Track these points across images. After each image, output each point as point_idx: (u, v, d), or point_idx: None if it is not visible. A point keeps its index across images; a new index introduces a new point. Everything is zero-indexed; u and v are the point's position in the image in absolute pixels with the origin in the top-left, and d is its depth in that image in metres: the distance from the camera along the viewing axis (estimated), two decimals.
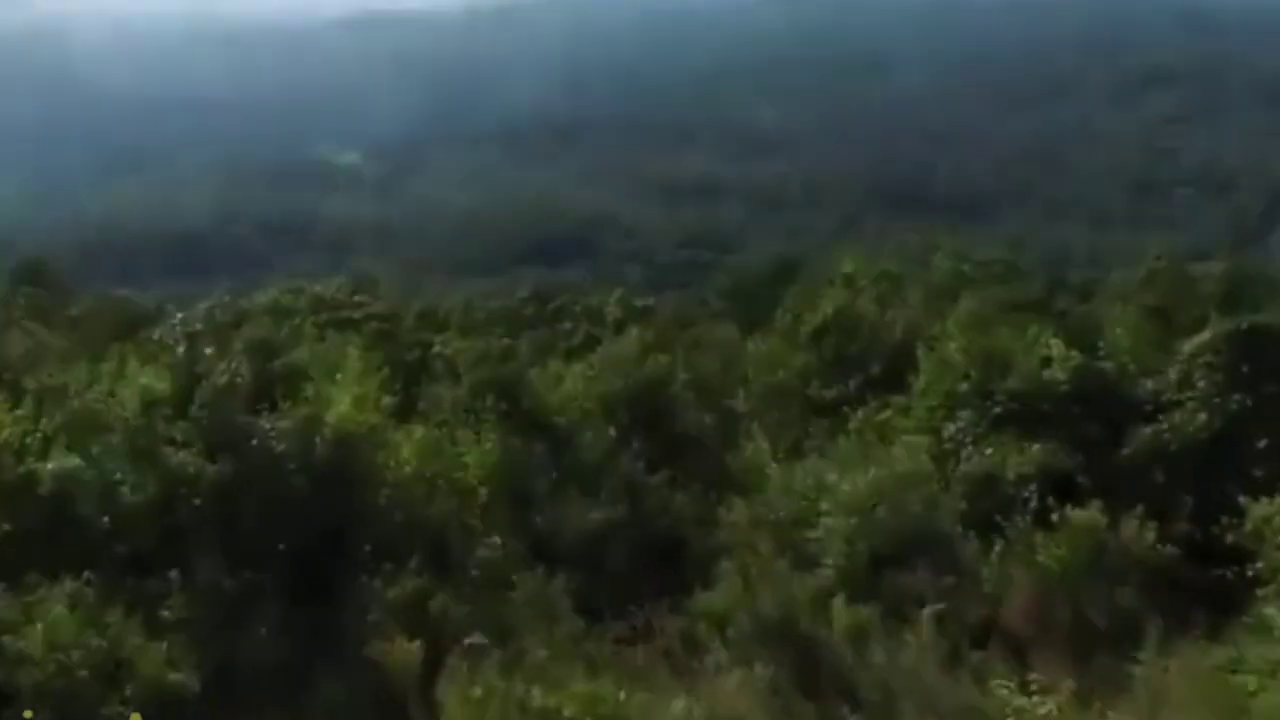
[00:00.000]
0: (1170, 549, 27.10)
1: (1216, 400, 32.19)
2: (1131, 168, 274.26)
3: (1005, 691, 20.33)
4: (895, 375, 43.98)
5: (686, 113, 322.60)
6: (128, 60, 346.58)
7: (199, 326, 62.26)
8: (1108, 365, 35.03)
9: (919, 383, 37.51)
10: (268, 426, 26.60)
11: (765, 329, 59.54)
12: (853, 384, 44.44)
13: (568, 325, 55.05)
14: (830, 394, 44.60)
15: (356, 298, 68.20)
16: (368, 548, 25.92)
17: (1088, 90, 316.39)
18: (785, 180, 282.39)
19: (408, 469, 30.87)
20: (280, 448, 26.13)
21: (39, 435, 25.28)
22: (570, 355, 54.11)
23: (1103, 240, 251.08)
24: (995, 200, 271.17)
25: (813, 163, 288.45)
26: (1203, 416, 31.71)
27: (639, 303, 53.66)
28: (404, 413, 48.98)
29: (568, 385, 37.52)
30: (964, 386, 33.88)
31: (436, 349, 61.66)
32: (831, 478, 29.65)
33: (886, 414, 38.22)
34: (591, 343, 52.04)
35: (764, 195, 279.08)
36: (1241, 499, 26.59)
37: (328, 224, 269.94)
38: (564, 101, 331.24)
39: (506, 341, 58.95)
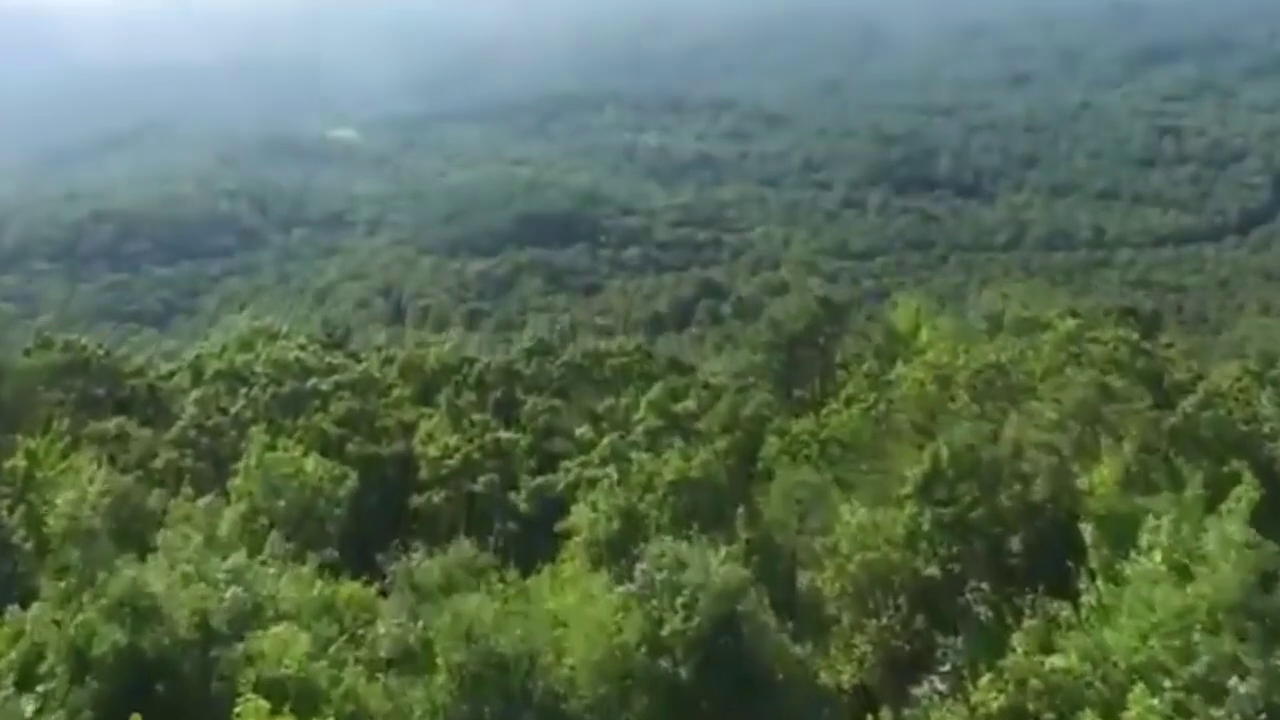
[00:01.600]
0: None
1: None
2: (1134, 144, 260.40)
3: None
4: (1042, 552, 30.95)
5: (684, 87, 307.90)
6: (123, 34, 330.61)
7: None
8: None
9: (1118, 611, 24.36)
10: None
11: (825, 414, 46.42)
12: (978, 555, 31.24)
13: (585, 429, 41.74)
14: (946, 568, 31.42)
15: (328, 359, 54.69)
16: None
17: (1090, 66, 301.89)
18: (785, 156, 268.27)
19: None
20: None
21: None
22: (592, 484, 40.65)
23: (1106, 217, 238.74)
24: (997, 177, 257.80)
25: (812, 138, 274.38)
26: None
27: (677, 407, 40.46)
28: (370, 573, 36.12)
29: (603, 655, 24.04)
30: (1238, 649, 20.59)
31: (419, 444, 48.22)
32: None
33: (1060, 662, 24.96)
34: (621, 462, 38.54)
35: (763, 172, 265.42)
36: None
37: (323, 200, 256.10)
38: (561, 76, 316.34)
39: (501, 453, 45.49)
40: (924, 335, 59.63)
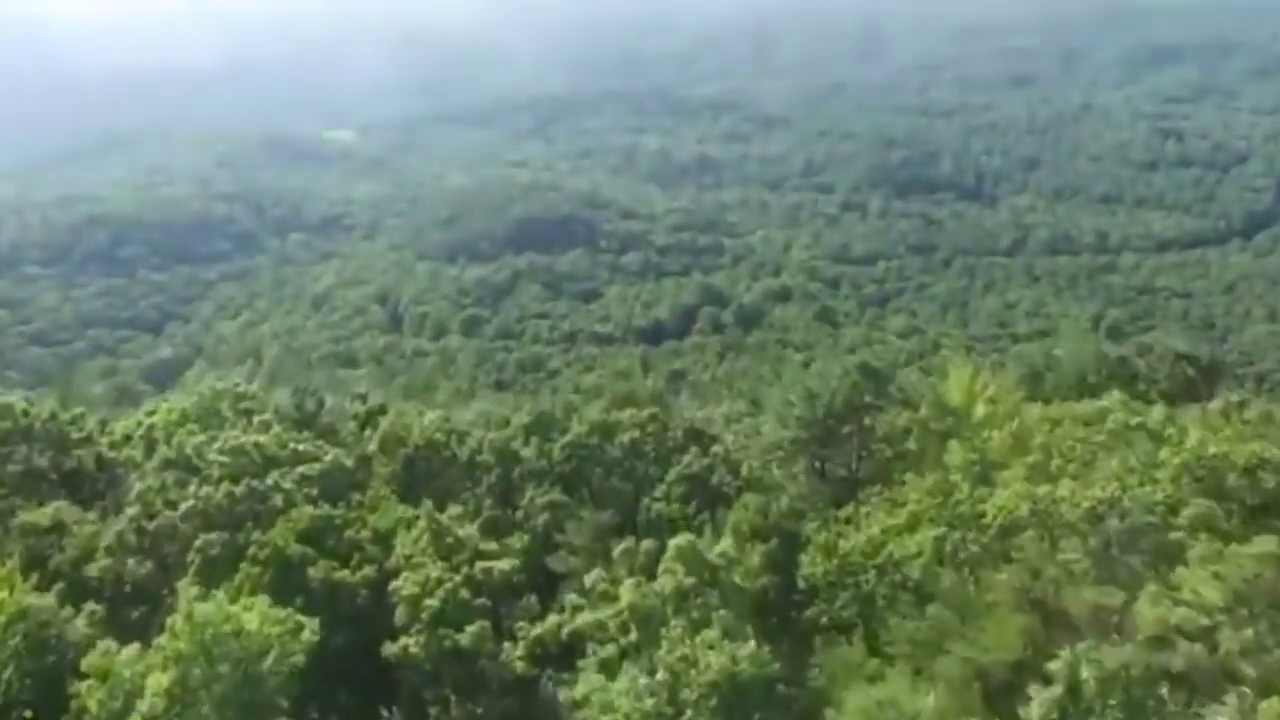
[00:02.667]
0: None
1: None
2: (1137, 147, 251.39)
3: None
4: None
5: (684, 89, 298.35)
6: (118, 37, 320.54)
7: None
8: None
9: None
10: None
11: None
12: None
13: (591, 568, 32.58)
14: None
15: (294, 445, 45.41)
16: None
17: (1091, 68, 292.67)
18: (785, 159, 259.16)
19: None
20: None
21: None
22: (601, 632, 31.67)
23: (1109, 221, 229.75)
24: (999, 180, 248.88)
25: (813, 140, 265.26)
26: None
27: (712, 554, 31.57)
28: None
29: None
30: None
31: (397, 565, 39.16)
32: None
33: None
34: (640, 622, 29.45)
35: (763, 175, 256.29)
36: None
37: (320, 203, 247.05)
38: (560, 78, 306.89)
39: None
40: (979, 410, 50.86)
